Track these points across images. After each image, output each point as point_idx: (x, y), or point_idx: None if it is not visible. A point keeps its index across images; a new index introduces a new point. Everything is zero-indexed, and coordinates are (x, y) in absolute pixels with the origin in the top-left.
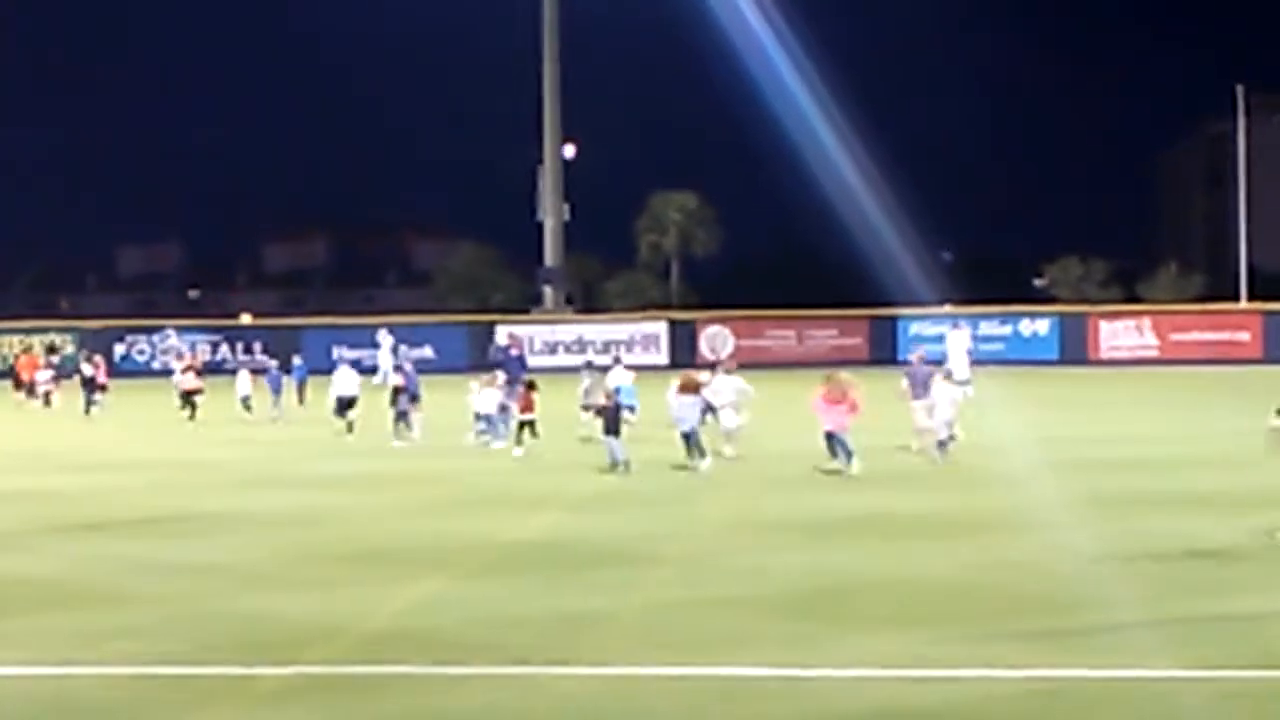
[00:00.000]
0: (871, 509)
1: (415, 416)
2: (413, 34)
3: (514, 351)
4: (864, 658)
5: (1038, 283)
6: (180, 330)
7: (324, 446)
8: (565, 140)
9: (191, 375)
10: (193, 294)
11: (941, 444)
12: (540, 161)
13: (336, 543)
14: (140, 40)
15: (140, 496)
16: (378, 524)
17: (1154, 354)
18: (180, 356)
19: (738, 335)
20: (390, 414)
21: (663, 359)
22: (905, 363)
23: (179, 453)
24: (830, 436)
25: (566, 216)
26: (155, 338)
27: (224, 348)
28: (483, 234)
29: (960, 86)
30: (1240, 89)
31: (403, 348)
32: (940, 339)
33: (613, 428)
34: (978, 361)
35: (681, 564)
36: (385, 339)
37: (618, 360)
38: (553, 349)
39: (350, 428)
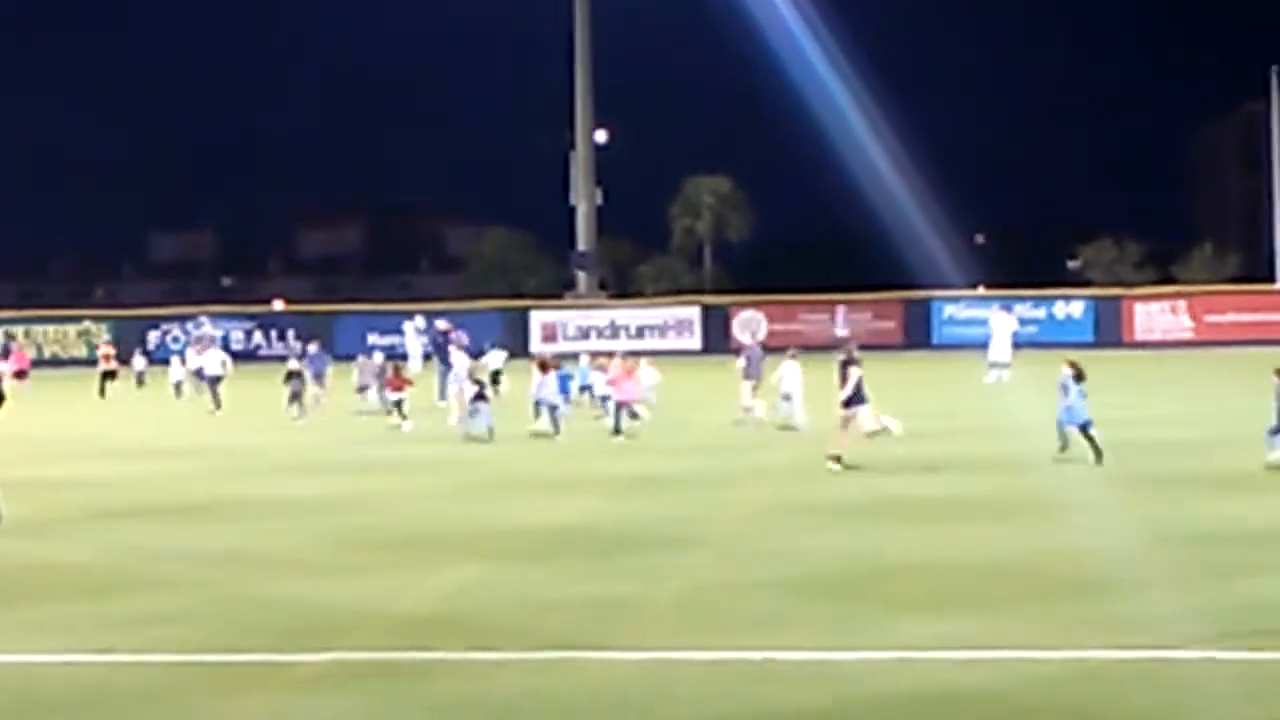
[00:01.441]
0: (909, 492)
1: (314, 393)
2: (446, 20)
3: (454, 335)
4: (900, 640)
5: (1072, 265)
6: (214, 317)
7: (359, 432)
8: (598, 125)
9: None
10: (226, 281)
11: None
12: (573, 146)
13: (373, 528)
14: (174, 27)
15: (178, 483)
16: (414, 509)
17: (1189, 336)
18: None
19: (771, 319)
20: (285, 393)
21: (696, 344)
22: (745, 346)
23: (215, 439)
24: (620, 405)
25: (599, 201)
26: (189, 325)
27: (257, 334)
28: (516, 219)
29: (994, 67)
30: (1275, 70)
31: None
32: (972, 322)
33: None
34: (1013, 344)
35: (717, 547)
36: (411, 326)
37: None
38: (585, 334)
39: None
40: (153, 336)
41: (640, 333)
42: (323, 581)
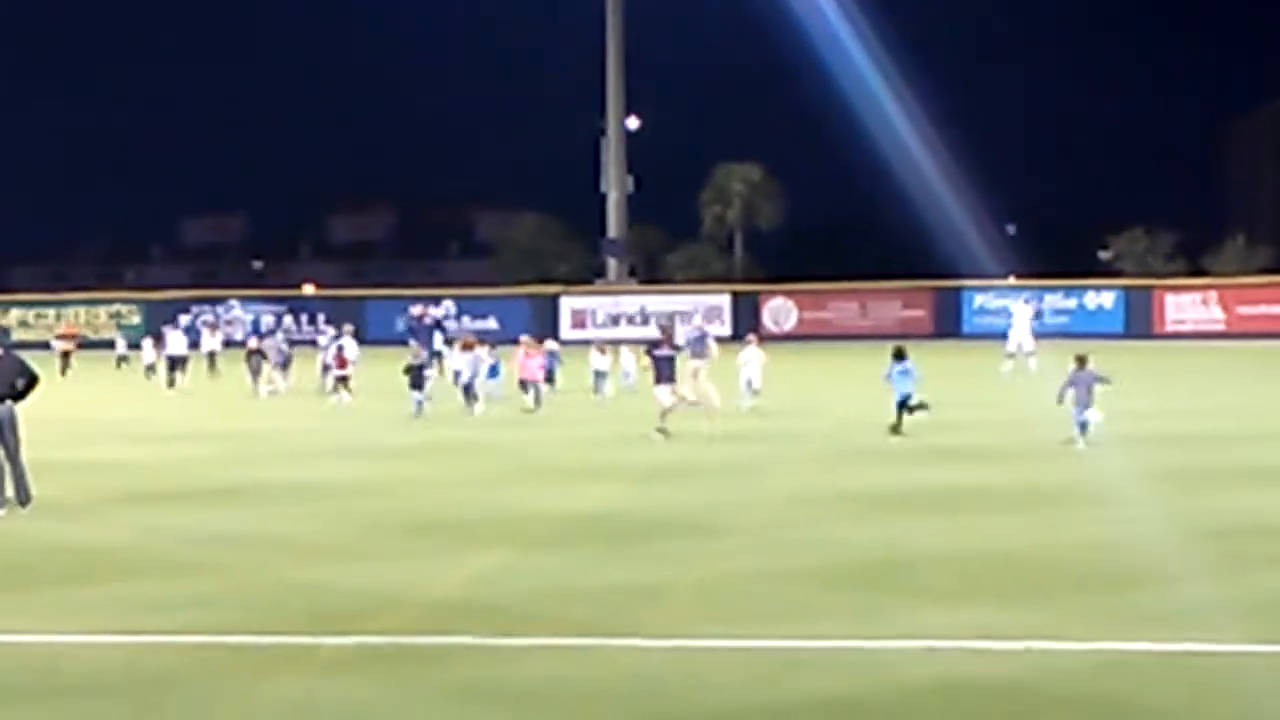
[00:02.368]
0: (939, 482)
1: (271, 374)
2: (479, 5)
3: (426, 321)
4: (929, 629)
5: (1103, 255)
6: (244, 301)
7: (386, 417)
8: (629, 112)
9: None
10: (257, 265)
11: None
12: (604, 133)
13: (400, 513)
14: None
15: (205, 467)
16: (440, 494)
17: (1220, 327)
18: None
19: (801, 308)
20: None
21: (726, 331)
22: (690, 331)
23: (244, 423)
24: (524, 383)
25: (630, 188)
26: (219, 309)
27: (287, 318)
28: (546, 205)
29: (1026, 57)
30: None
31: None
32: (1002, 312)
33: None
34: (1043, 335)
35: (745, 535)
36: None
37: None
38: (615, 321)
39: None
40: (183, 320)
41: (671, 319)
42: (348, 566)
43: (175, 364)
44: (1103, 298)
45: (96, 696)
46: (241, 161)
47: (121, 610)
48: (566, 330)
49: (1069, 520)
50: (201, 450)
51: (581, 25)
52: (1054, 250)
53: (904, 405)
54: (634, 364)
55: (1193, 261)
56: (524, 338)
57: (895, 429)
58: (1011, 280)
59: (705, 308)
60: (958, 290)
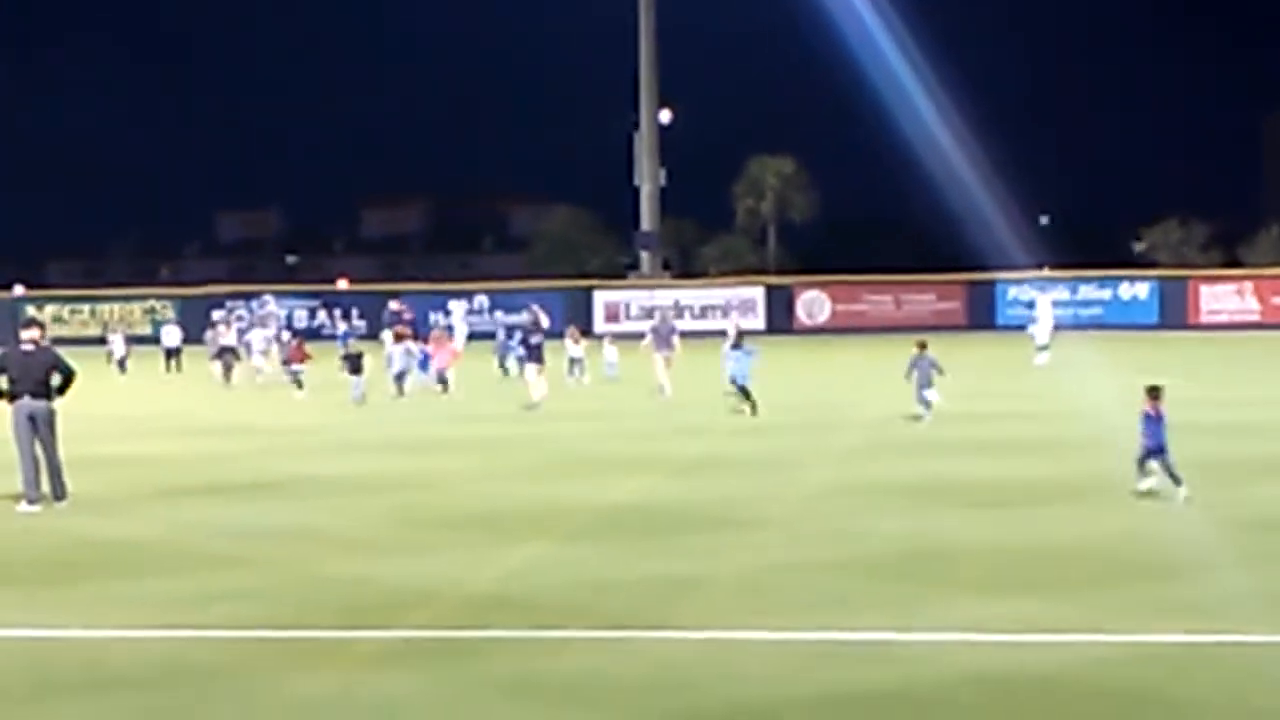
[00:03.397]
0: (973, 474)
1: (250, 366)
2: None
3: (406, 316)
4: (964, 622)
5: (1137, 247)
6: (278, 296)
7: (420, 410)
8: (662, 105)
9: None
10: (291, 260)
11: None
12: (637, 126)
13: (435, 507)
14: (240, 8)
15: (242, 461)
16: (475, 488)
17: (1255, 318)
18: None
19: (834, 300)
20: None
21: (760, 324)
22: (655, 322)
23: (277, 418)
24: (440, 373)
25: (663, 181)
26: (254, 303)
27: (321, 313)
28: (579, 199)
29: (1058, 48)
30: None
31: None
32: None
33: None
34: (1077, 326)
35: (779, 528)
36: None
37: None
38: (649, 314)
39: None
40: (217, 315)
41: (704, 313)
42: (386, 559)
43: (170, 354)
44: (1137, 289)
45: (137, 690)
46: (276, 157)
47: (160, 605)
48: (600, 324)
49: (1103, 511)
50: (238, 445)
51: (614, 19)
52: (1087, 242)
53: (743, 389)
54: (616, 354)
55: (1227, 253)
56: (434, 331)
57: (752, 409)
58: (1045, 272)
59: (739, 300)
60: (991, 282)
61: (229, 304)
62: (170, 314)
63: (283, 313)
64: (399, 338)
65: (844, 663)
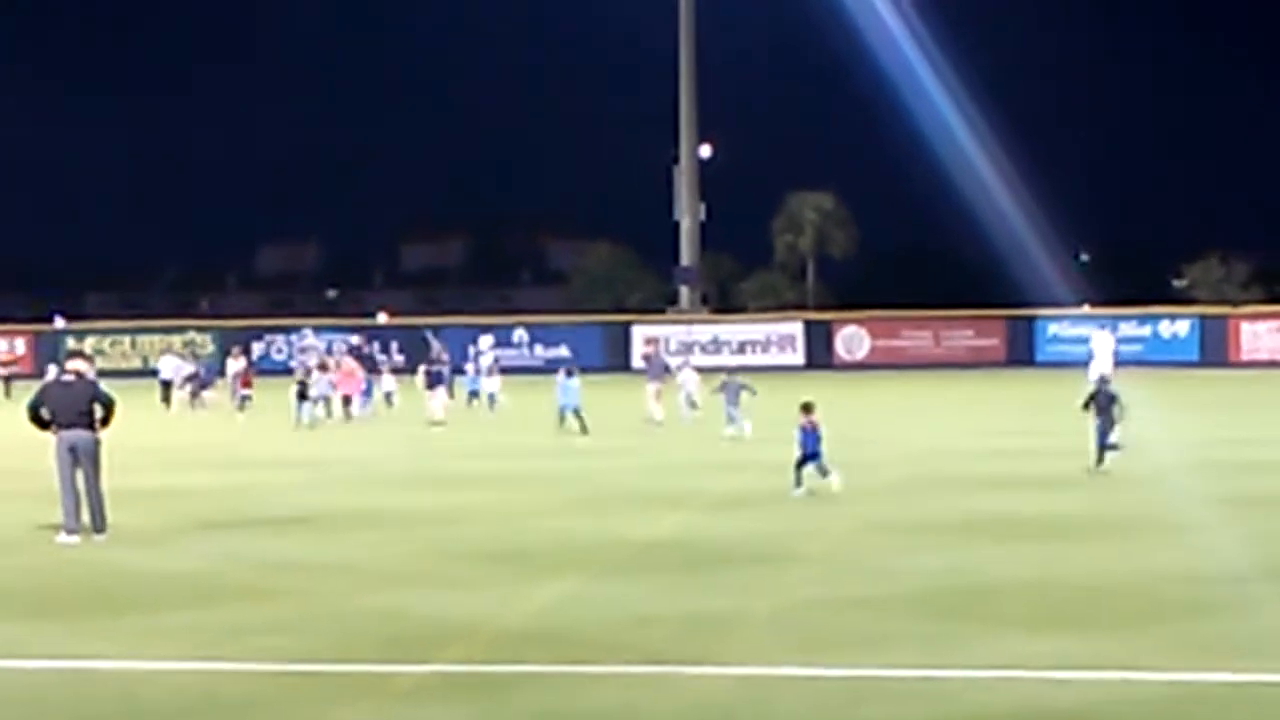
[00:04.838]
0: (1011, 510)
1: (206, 396)
2: (550, 34)
3: (366, 351)
4: (1001, 658)
5: (1177, 283)
6: (318, 329)
7: (458, 445)
8: (701, 140)
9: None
10: (330, 293)
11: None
12: (676, 161)
13: (473, 541)
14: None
15: (279, 494)
16: (510, 523)
17: None
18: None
19: (874, 336)
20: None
21: (799, 359)
22: (647, 355)
23: (317, 450)
24: (346, 398)
25: (702, 216)
26: (293, 337)
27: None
28: (618, 233)
29: (1098, 85)
30: None
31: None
32: (1076, 340)
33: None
34: (1118, 363)
35: (816, 564)
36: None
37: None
38: (688, 349)
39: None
40: (257, 348)
41: (742, 348)
42: (422, 593)
43: (166, 386)
44: (1177, 326)
45: None
46: (316, 190)
47: (198, 637)
48: (638, 360)
49: (1143, 548)
50: (275, 477)
51: (654, 53)
52: (1127, 278)
53: (576, 412)
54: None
55: (1268, 289)
56: (345, 359)
57: (583, 429)
58: (1086, 309)
59: (778, 336)
60: (1031, 319)
61: (267, 337)
62: (210, 346)
63: (322, 345)
64: (323, 368)
65: (882, 700)
